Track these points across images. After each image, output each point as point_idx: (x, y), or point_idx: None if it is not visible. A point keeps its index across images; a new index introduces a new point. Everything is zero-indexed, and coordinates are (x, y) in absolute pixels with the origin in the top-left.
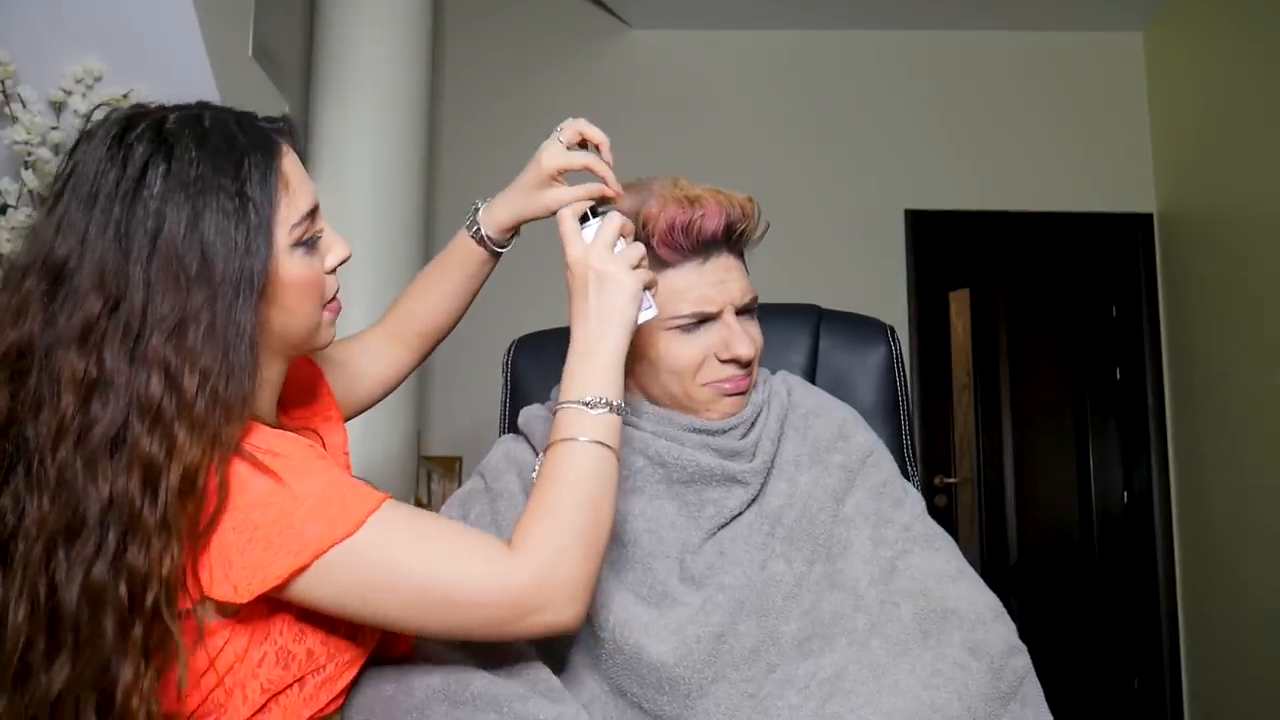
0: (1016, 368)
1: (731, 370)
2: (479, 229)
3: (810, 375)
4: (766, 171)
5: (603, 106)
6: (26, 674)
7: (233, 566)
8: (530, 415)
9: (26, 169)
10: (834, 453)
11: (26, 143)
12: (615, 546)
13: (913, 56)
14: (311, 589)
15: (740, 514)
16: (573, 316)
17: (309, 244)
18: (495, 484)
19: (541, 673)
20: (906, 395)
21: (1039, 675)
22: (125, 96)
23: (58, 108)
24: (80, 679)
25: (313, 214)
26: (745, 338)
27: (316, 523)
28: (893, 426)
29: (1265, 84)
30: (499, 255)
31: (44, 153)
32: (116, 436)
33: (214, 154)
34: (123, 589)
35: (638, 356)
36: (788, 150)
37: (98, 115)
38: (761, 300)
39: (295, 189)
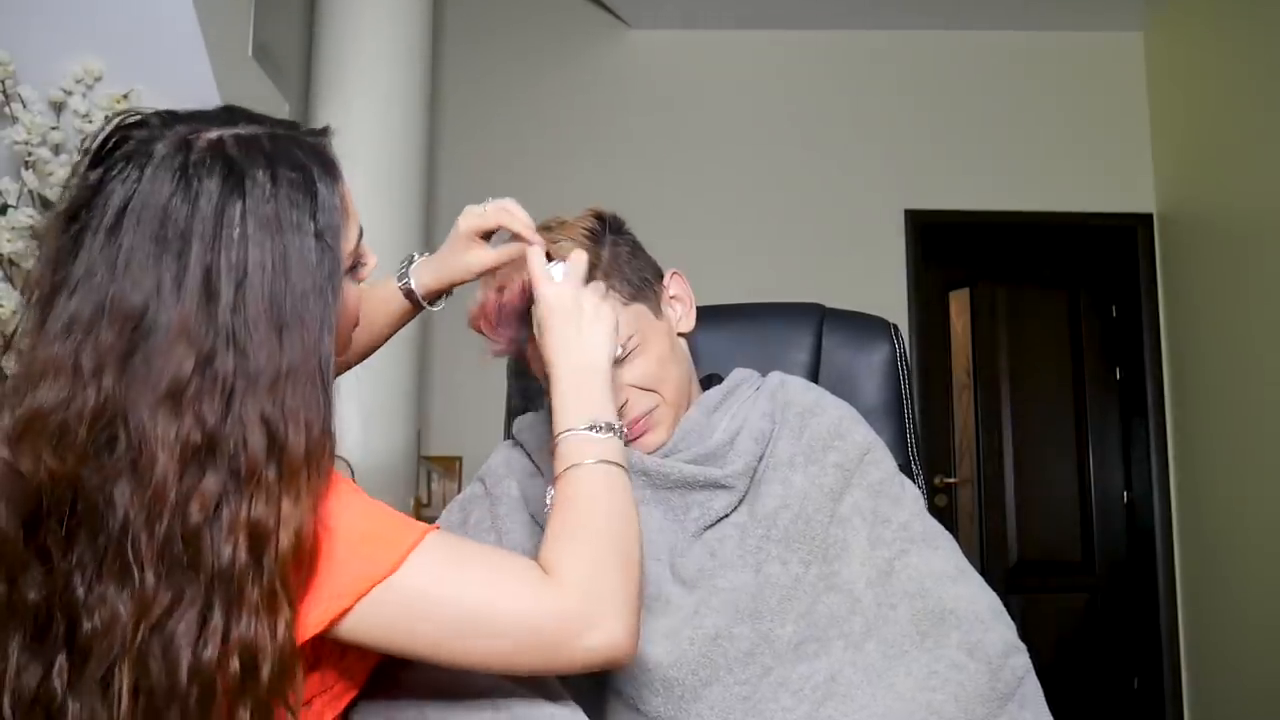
0: (1016, 368)
1: None
2: (408, 281)
3: (813, 374)
4: (765, 171)
5: (602, 106)
6: None
7: None
8: (524, 423)
9: (26, 169)
10: (830, 451)
11: (26, 143)
12: None
13: (913, 56)
14: (357, 628)
15: (727, 515)
16: (553, 350)
17: (355, 269)
18: (495, 489)
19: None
20: (911, 394)
21: (1038, 675)
22: (125, 96)
23: (58, 108)
24: None
25: (360, 236)
26: None
27: (357, 562)
28: (897, 425)
29: (1265, 84)
30: (423, 309)
31: (44, 153)
32: (218, 504)
33: (288, 187)
34: (234, 666)
35: None
36: (787, 150)
37: (119, 124)
38: (760, 300)
39: (351, 216)
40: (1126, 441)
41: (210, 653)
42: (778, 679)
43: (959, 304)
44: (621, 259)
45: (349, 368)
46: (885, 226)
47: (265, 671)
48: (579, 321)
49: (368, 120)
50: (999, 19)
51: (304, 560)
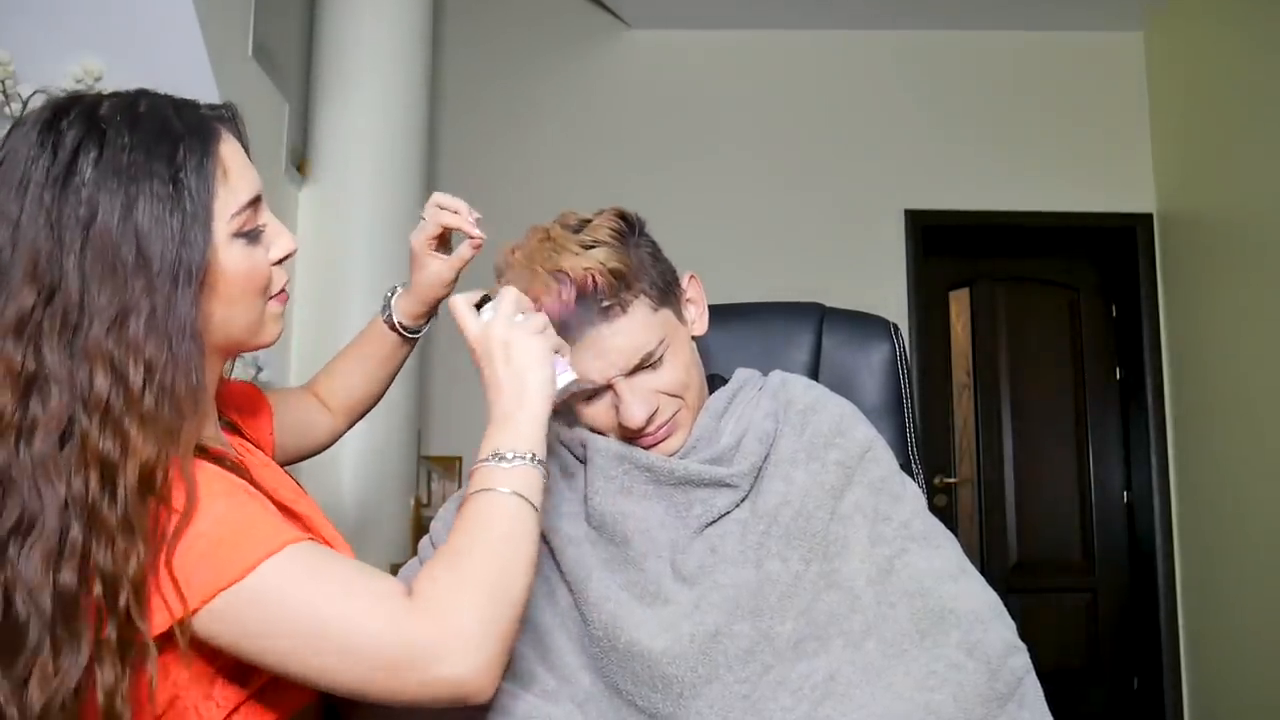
0: (1016, 368)
1: (634, 431)
2: (390, 312)
3: (813, 373)
4: (766, 171)
5: (602, 106)
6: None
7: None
8: None
9: None
10: (831, 449)
11: None
12: (609, 546)
13: (913, 56)
14: (209, 631)
15: (729, 512)
16: (485, 388)
17: (251, 235)
18: None
19: (536, 670)
20: (911, 393)
21: (1038, 675)
22: None
23: None
24: (60, 689)
25: (255, 204)
26: (636, 405)
27: (206, 566)
28: (897, 424)
29: (1265, 84)
30: (415, 340)
31: None
32: (64, 434)
33: (147, 139)
34: (98, 590)
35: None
36: (787, 150)
37: (35, 102)
38: (761, 299)
39: (235, 177)
40: (1126, 441)
41: (68, 579)
42: (777, 677)
43: (959, 304)
44: (647, 263)
45: (354, 418)
46: (885, 226)
47: (124, 599)
48: (503, 359)
49: (368, 119)
50: (999, 19)
51: (152, 494)
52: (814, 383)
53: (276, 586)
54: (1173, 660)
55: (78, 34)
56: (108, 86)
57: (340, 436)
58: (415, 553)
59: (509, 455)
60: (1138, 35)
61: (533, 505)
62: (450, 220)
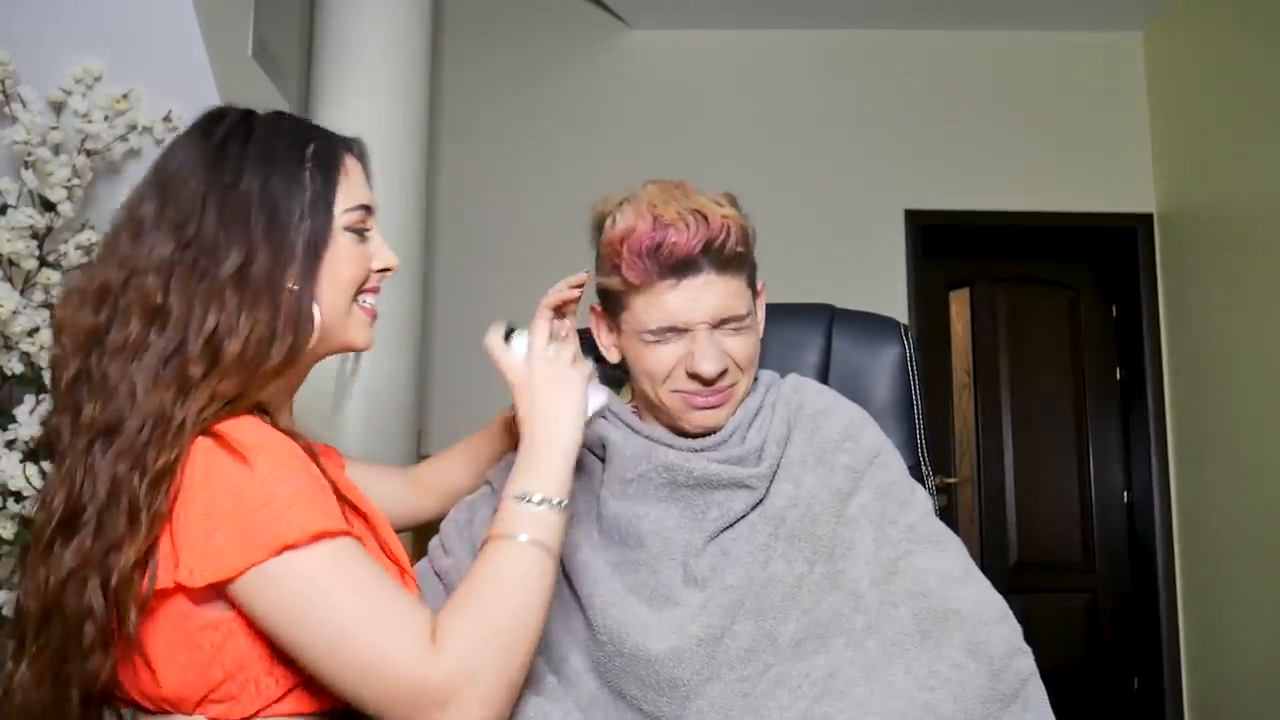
0: (1016, 368)
1: (698, 385)
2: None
3: (823, 374)
4: (766, 171)
5: (602, 106)
6: (51, 549)
7: (193, 549)
8: None
9: (26, 169)
10: (840, 453)
11: (26, 143)
12: (621, 547)
13: (913, 56)
14: (252, 593)
15: (744, 515)
16: (521, 424)
17: (360, 233)
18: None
19: (539, 670)
20: (920, 393)
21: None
22: (125, 97)
23: (58, 108)
24: (89, 558)
25: (367, 211)
26: (712, 355)
27: (276, 524)
28: (907, 425)
29: (1265, 84)
30: None
31: (44, 153)
32: (169, 359)
33: (288, 135)
34: (138, 483)
35: (624, 356)
36: (787, 150)
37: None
38: (764, 301)
39: (354, 181)
40: (1126, 441)
41: (123, 471)
42: (777, 676)
43: (959, 304)
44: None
45: (447, 504)
46: (885, 226)
47: (159, 497)
48: (543, 397)
49: (367, 120)
50: (999, 19)
51: (204, 421)
52: (826, 387)
53: (331, 570)
54: (1173, 660)
55: (78, 34)
56: (108, 86)
57: (424, 519)
58: (422, 552)
59: (535, 498)
60: (1138, 35)
61: (550, 551)
62: (558, 297)
